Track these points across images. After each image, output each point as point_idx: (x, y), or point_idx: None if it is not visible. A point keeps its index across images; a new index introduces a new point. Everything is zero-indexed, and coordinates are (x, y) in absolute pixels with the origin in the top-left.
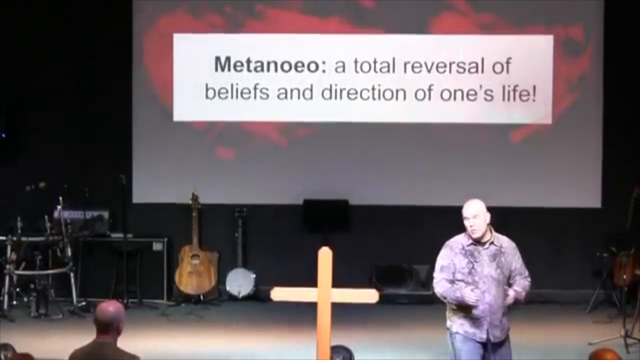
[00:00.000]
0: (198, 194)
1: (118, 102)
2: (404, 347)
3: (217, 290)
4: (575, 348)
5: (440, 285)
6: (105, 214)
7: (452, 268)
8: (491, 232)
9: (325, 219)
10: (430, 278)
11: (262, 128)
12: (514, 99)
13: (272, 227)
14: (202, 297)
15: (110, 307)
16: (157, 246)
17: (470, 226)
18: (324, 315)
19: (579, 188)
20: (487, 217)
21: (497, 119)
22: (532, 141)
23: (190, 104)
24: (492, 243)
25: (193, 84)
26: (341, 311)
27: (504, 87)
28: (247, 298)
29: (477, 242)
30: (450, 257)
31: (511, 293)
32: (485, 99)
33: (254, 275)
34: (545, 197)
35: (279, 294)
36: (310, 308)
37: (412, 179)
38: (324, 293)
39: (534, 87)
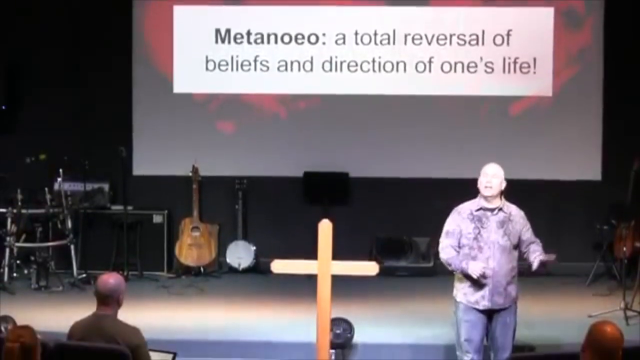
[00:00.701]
0: (198, 166)
1: (118, 74)
2: (404, 320)
3: (217, 262)
4: (575, 321)
5: (445, 252)
6: (106, 186)
7: (457, 233)
8: (502, 199)
9: (325, 192)
10: (430, 251)
11: (262, 100)
12: (515, 71)
13: (272, 199)
14: (202, 270)
15: (110, 279)
16: (157, 218)
17: (487, 182)
18: (324, 287)
19: (579, 160)
20: (504, 183)
21: (497, 92)
22: (532, 114)
23: (190, 76)
24: (501, 210)
25: (193, 56)
26: (341, 284)
27: (504, 60)
28: (247, 270)
29: (486, 208)
30: (457, 222)
31: (538, 256)
32: (485, 71)
33: (254, 248)
34: (546, 170)
35: (279, 266)
36: (310, 280)
37: (412, 151)
38: (324, 265)
39: (535, 60)
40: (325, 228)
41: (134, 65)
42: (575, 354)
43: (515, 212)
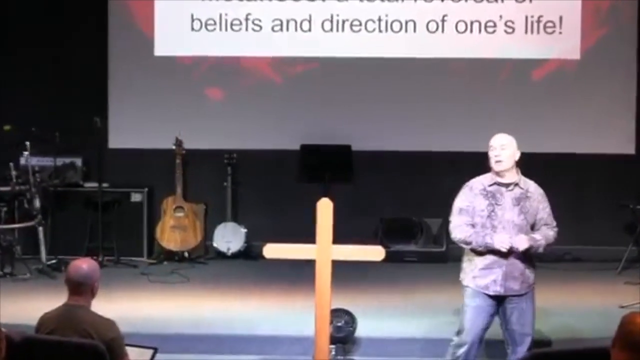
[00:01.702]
0: (182, 138)
1: (92, 35)
2: (413, 311)
3: (204, 246)
4: (604, 312)
5: (460, 230)
6: (78, 161)
7: (471, 211)
8: (518, 174)
9: (325, 167)
10: (443, 233)
11: (255, 64)
12: (538, 31)
13: (265, 175)
14: (186, 255)
15: (83, 265)
16: (136, 197)
17: (496, 156)
18: (324, 275)
19: (609, 131)
20: (517, 154)
21: (518, 54)
22: (557, 79)
23: (173, 36)
24: (517, 185)
25: (177, 13)
26: (342, 270)
27: (526, 18)
28: (237, 255)
29: (501, 183)
30: (470, 198)
31: (524, 238)
32: (505, 31)
33: (245, 230)
34: (571, 142)
35: (273, 251)
36: (307, 267)
37: (422, 121)
38: (324, 250)
39: (560, 18)
40: (324, 208)
41: (110, 24)
42: (604, 349)
43: (533, 188)
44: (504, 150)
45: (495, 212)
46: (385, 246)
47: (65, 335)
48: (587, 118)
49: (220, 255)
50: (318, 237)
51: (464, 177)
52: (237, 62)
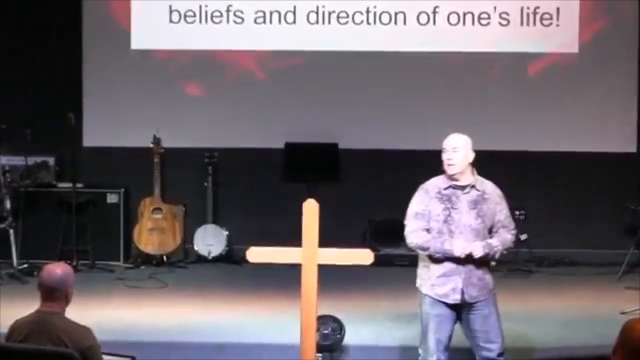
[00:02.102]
0: (161, 136)
1: (66, 27)
2: (405, 317)
3: (183, 250)
4: (604, 318)
5: (416, 236)
6: (51, 160)
7: (427, 215)
8: (474, 175)
9: (311, 166)
10: None
11: (236, 58)
12: (534, 23)
13: (248, 175)
14: (165, 258)
15: (57, 269)
16: (112, 198)
17: (448, 159)
18: (309, 280)
19: (609, 129)
20: (471, 156)
21: (513, 48)
22: (554, 73)
23: (151, 29)
24: (473, 187)
25: (154, 5)
26: (330, 275)
27: (522, 10)
28: (219, 259)
29: (456, 186)
30: (426, 202)
31: (479, 245)
32: (500, 23)
33: (227, 233)
34: (569, 140)
35: (256, 254)
36: (293, 271)
37: (414, 118)
38: (310, 254)
39: (558, 10)
40: (310, 209)
41: (84, 17)
42: (604, 356)
43: (490, 189)
44: (456, 152)
45: (451, 217)
46: (374, 249)
47: (38, 344)
48: (586, 115)
49: (201, 259)
50: (304, 240)
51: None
52: (218, 56)
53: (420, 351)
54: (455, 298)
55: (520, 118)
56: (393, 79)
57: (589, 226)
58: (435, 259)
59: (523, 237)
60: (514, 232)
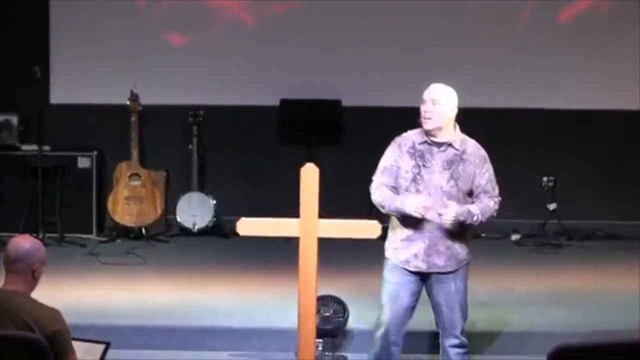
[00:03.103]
0: (139, 91)
1: None
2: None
3: (165, 221)
4: (635, 299)
5: (378, 193)
6: (14, 119)
7: (395, 171)
8: (456, 132)
9: (310, 126)
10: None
11: (224, 3)
12: None
13: (238, 136)
14: (144, 231)
15: (25, 242)
16: (83, 162)
17: (424, 112)
18: (309, 255)
19: None
20: (453, 112)
21: None
22: (587, 21)
23: None
24: (451, 145)
25: None
26: (331, 250)
27: None
28: (205, 232)
29: (433, 142)
30: (396, 156)
31: (452, 208)
32: None
33: (214, 202)
34: (605, 98)
35: (247, 226)
36: (289, 246)
37: (427, 72)
38: (309, 225)
39: None
40: (309, 175)
41: None
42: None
43: (472, 149)
44: (435, 105)
45: (421, 175)
46: (382, 221)
47: (1, 327)
48: (625, 68)
49: (185, 231)
50: (302, 210)
51: (476, 137)
52: (204, 0)
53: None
54: (416, 265)
55: (549, 71)
56: (405, 28)
57: (625, 195)
58: (402, 221)
59: (552, 206)
60: (497, 199)
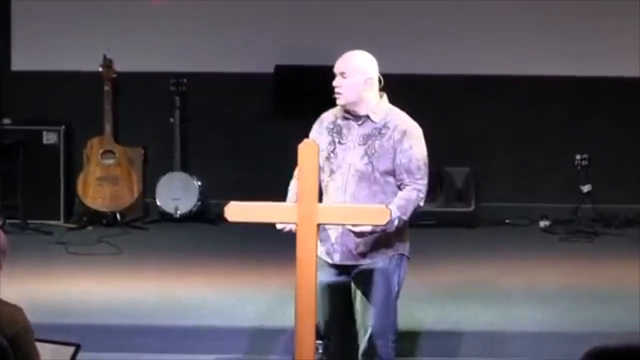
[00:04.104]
0: (113, 57)
1: None
2: (431, 294)
3: (143, 206)
4: None
5: (293, 182)
6: None
7: None
8: (380, 103)
9: (308, 96)
10: (471, 187)
11: None
12: None
13: (227, 108)
14: (118, 217)
15: None
16: (49, 138)
17: (335, 87)
18: (308, 244)
19: None
20: (369, 81)
21: None
22: None
23: None
24: (369, 118)
25: None
26: None
27: None
28: (188, 218)
29: (352, 115)
30: (316, 134)
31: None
32: None
33: (199, 184)
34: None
35: (237, 211)
36: (284, 234)
37: (441, 35)
38: (307, 210)
39: None
40: (308, 152)
41: None
42: None
43: (395, 123)
44: (345, 79)
45: (335, 153)
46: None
47: None
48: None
49: (165, 217)
50: (299, 193)
51: (498, 111)
52: None
53: None
54: (335, 257)
55: (581, 35)
56: None
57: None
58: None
59: (586, 188)
60: (422, 183)
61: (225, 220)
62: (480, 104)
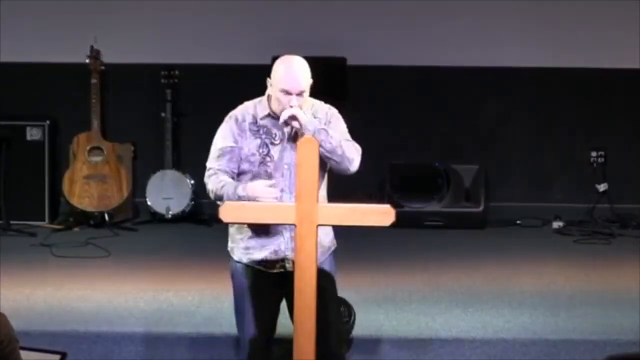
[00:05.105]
0: (101, 47)
1: None
2: (438, 299)
3: (132, 205)
4: None
5: (213, 180)
6: None
7: (237, 154)
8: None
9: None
10: (480, 185)
11: None
12: None
13: (222, 102)
14: (107, 217)
15: None
16: (33, 134)
17: (290, 105)
18: (307, 246)
19: None
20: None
21: None
22: None
23: None
24: None
25: None
26: (335, 240)
27: None
28: (181, 218)
29: (277, 113)
30: (236, 135)
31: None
32: None
33: (192, 182)
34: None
35: (232, 212)
36: None
37: (447, 27)
38: (307, 210)
39: None
40: (307, 149)
41: None
42: None
43: (322, 113)
44: (302, 96)
45: (270, 156)
46: (396, 205)
47: None
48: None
49: (156, 217)
50: (298, 192)
51: (508, 106)
52: None
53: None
54: (280, 265)
55: (597, 26)
56: None
57: None
58: None
59: (602, 187)
60: (357, 146)
61: (220, 220)
62: (490, 99)
